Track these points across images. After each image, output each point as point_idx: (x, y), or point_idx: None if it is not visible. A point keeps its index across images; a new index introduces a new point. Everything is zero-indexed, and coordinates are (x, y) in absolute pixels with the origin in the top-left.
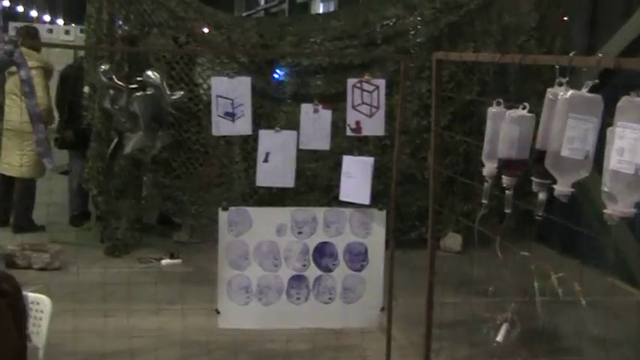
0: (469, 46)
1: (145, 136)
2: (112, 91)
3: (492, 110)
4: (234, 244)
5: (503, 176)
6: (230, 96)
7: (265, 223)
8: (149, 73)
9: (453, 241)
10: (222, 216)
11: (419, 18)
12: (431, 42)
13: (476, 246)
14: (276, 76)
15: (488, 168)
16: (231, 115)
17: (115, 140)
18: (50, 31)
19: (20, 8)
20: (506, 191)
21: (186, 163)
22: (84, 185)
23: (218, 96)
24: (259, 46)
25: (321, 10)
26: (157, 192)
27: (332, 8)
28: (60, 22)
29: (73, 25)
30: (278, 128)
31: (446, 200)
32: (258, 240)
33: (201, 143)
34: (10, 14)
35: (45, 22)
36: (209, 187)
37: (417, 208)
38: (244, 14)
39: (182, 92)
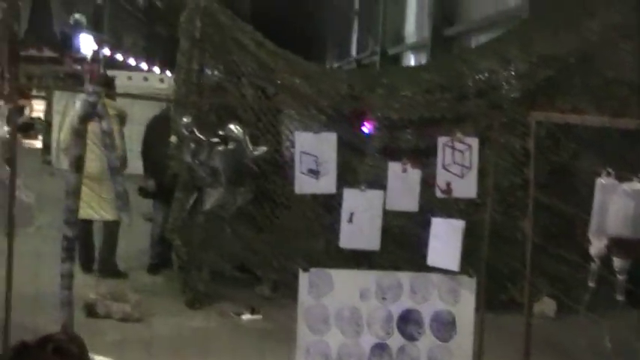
0: (567, 101)
1: (225, 192)
2: (193, 145)
3: (602, 182)
4: (314, 307)
5: (614, 257)
6: (314, 152)
7: (348, 287)
8: (231, 127)
9: (546, 306)
10: (303, 277)
11: (513, 72)
12: (526, 97)
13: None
14: (364, 129)
15: (597, 246)
16: (315, 173)
17: (195, 195)
18: (145, 79)
19: (120, 57)
20: (618, 276)
21: (270, 215)
22: (167, 235)
23: (302, 152)
24: (348, 98)
25: (412, 62)
26: (239, 244)
27: (423, 60)
28: (156, 69)
29: (168, 73)
30: (363, 187)
31: (539, 263)
32: (339, 304)
33: (285, 196)
34: (109, 62)
35: (142, 70)
36: (293, 240)
37: (508, 269)
38: (336, 65)
39: (265, 148)
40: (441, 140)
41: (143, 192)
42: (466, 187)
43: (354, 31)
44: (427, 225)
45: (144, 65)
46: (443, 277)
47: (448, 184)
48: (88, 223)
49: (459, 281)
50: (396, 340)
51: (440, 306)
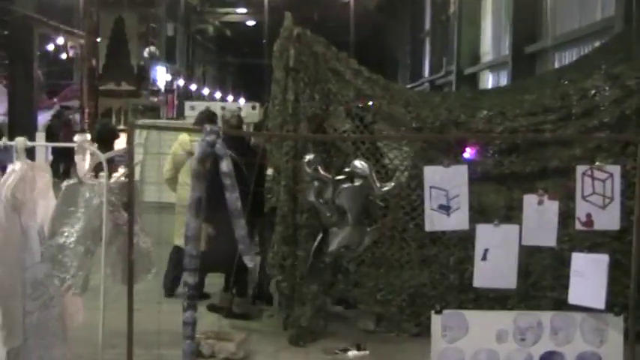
0: None
1: (352, 231)
2: (316, 183)
3: None
4: (448, 351)
5: None
6: (445, 187)
7: (484, 329)
8: (356, 162)
9: None
10: (436, 320)
11: (620, 89)
12: (637, 114)
13: None
14: (466, 155)
15: None
16: (445, 209)
17: (320, 236)
18: (223, 108)
19: (193, 86)
20: None
21: (372, 246)
22: (267, 271)
23: (432, 187)
24: (449, 123)
25: (490, 81)
26: (342, 278)
27: (502, 80)
28: (229, 98)
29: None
30: (497, 222)
31: None
32: (475, 347)
33: (387, 226)
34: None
35: (216, 100)
36: (396, 272)
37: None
38: (408, 87)
39: (393, 183)
40: (580, 169)
41: None
42: (608, 219)
43: (426, 52)
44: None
45: (217, 94)
46: (587, 315)
47: (588, 216)
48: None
49: (605, 320)
50: None
51: (584, 347)
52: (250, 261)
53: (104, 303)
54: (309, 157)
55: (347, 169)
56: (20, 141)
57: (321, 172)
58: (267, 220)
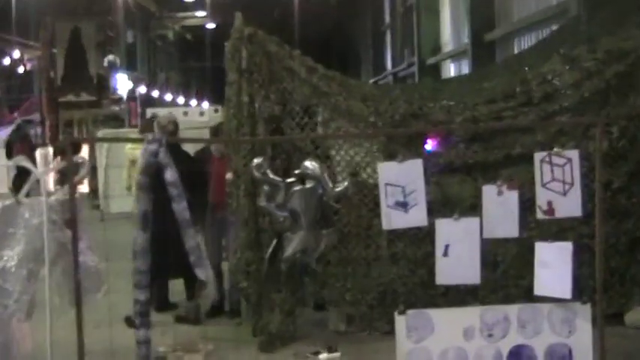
0: None
1: (307, 235)
2: (267, 187)
3: None
4: (415, 352)
5: None
6: (400, 183)
7: (450, 327)
8: (307, 163)
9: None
10: (400, 321)
11: (579, 72)
12: (597, 96)
13: None
14: (428, 147)
15: None
16: (403, 205)
17: (274, 241)
18: (185, 113)
19: (155, 93)
20: None
21: (338, 246)
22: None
23: (387, 184)
24: (408, 116)
25: (452, 71)
26: (310, 280)
27: (464, 68)
28: (193, 103)
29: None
30: (457, 216)
31: (628, 270)
32: (442, 346)
33: (352, 224)
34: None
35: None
36: (367, 271)
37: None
38: (371, 80)
39: (346, 183)
40: (538, 157)
41: None
42: (570, 205)
43: (388, 45)
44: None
45: (180, 99)
46: (554, 306)
47: (549, 204)
48: None
49: (573, 309)
50: None
51: (553, 339)
52: (202, 273)
53: (58, 323)
54: (257, 160)
55: (297, 171)
56: None
57: (271, 175)
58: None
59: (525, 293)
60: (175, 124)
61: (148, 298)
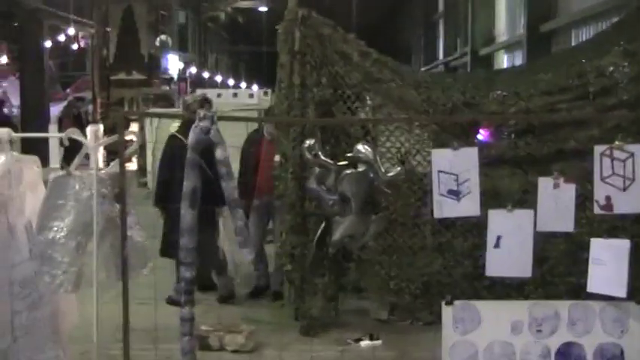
0: None
1: (356, 220)
2: (317, 170)
3: None
4: (460, 344)
5: None
6: (454, 171)
7: (497, 320)
8: (359, 147)
9: None
10: (446, 311)
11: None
12: None
13: None
14: (479, 137)
15: None
16: (455, 194)
17: (323, 225)
18: (235, 95)
19: (206, 74)
20: None
21: (383, 233)
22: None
23: (440, 171)
24: (461, 105)
25: (505, 62)
26: (354, 267)
27: (517, 60)
28: (243, 85)
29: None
30: (510, 207)
31: None
32: (488, 340)
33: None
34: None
35: (229, 87)
36: (412, 260)
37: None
38: (422, 69)
39: (399, 168)
40: (598, 150)
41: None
42: (630, 201)
43: (440, 34)
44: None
45: (230, 81)
46: (607, 304)
47: (608, 199)
48: None
49: (626, 309)
50: None
51: (604, 338)
52: (249, 253)
53: (104, 298)
54: (309, 142)
55: (350, 155)
56: (4, 132)
57: (322, 157)
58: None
59: (572, 291)
60: (201, 102)
61: (193, 275)
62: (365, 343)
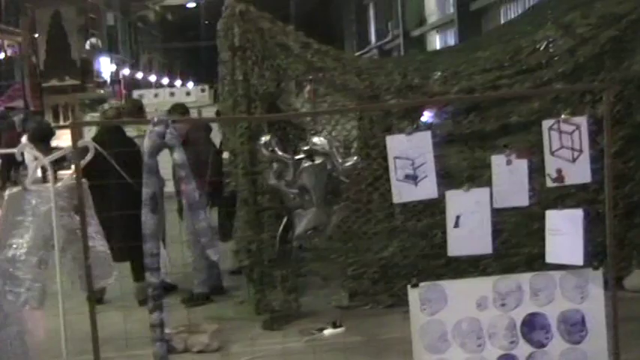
0: (637, 61)
1: (319, 212)
2: (275, 165)
3: None
4: (429, 324)
5: None
6: (410, 156)
7: (463, 298)
8: (315, 139)
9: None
10: (413, 293)
11: (573, 38)
12: (592, 62)
13: None
14: (424, 118)
15: None
16: (412, 178)
17: (285, 219)
18: (172, 94)
19: (140, 75)
20: None
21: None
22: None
23: (396, 157)
24: (404, 88)
25: (437, 42)
26: (311, 255)
27: (449, 39)
28: (178, 83)
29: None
30: (467, 187)
31: (626, 234)
32: (456, 317)
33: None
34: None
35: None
36: (368, 245)
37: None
38: (357, 54)
39: (356, 157)
40: (546, 124)
41: None
42: (579, 172)
43: (371, 18)
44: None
45: (165, 80)
46: (566, 273)
47: (559, 171)
48: None
49: (584, 275)
50: (522, 349)
51: (566, 305)
52: (214, 254)
53: (67, 308)
54: (265, 138)
55: (306, 147)
56: None
57: (279, 152)
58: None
59: (526, 262)
60: (117, 109)
61: (159, 280)
62: (329, 331)
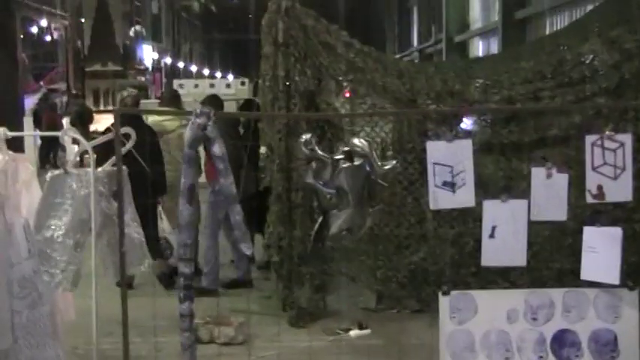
0: None
1: (354, 213)
2: (314, 164)
3: None
4: (457, 333)
5: None
6: (449, 162)
7: (493, 309)
8: (355, 141)
9: None
10: (443, 301)
11: (619, 53)
12: (636, 78)
13: None
14: (463, 125)
15: None
16: (450, 185)
17: (320, 219)
18: (212, 85)
19: (181, 64)
20: None
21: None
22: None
23: (435, 163)
24: (445, 94)
25: (480, 48)
26: (340, 256)
27: (492, 46)
28: (218, 74)
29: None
30: (504, 197)
31: None
32: (485, 328)
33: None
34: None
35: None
36: (398, 249)
37: (627, 265)
38: (397, 56)
39: (395, 161)
40: (589, 139)
41: None
42: (620, 190)
43: (414, 21)
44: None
45: (205, 71)
46: (600, 291)
47: (600, 188)
48: None
49: (619, 295)
50: None
51: (598, 324)
52: (247, 248)
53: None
54: (305, 136)
55: (345, 148)
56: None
57: (319, 152)
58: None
59: (556, 277)
60: (134, 97)
61: (192, 271)
62: (354, 332)
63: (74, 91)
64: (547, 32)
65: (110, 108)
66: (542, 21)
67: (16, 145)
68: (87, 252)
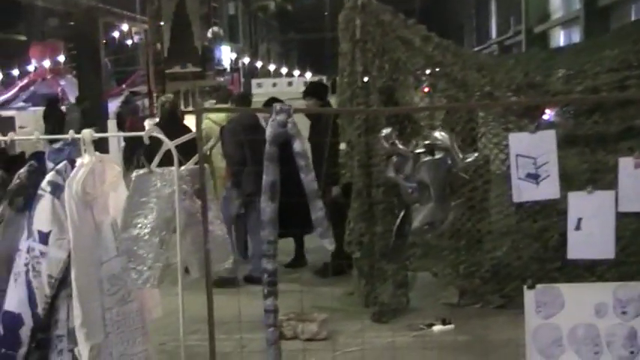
0: None
1: (436, 207)
2: (395, 158)
3: None
4: (543, 328)
5: None
6: (532, 154)
7: (581, 303)
8: (436, 134)
9: None
10: (529, 295)
11: None
12: None
13: None
14: (545, 117)
15: None
16: (534, 177)
17: (402, 214)
18: (290, 84)
19: (259, 64)
20: None
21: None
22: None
23: (518, 155)
24: (525, 86)
25: (562, 38)
26: (422, 251)
27: (574, 36)
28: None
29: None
30: (590, 189)
31: None
32: (572, 323)
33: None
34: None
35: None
36: (481, 244)
37: None
38: (475, 49)
39: (476, 154)
40: None
41: None
42: None
43: (492, 12)
44: None
45: (283, 70)
46: None
47: None
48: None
49: None
50: None
51: None
52: (330, 244)
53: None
54: (385, 131)
55: (426, 142)
56: (87, 133)
57: (400, 146)
58: None
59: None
60: (172, 102)
61: (275, 267)
62: (438, 328)
63: (155, 94)
64: (632, 20)
65: (190, 109)
66: (627, 8)
67: (101, 147)
68: (170, 250)
